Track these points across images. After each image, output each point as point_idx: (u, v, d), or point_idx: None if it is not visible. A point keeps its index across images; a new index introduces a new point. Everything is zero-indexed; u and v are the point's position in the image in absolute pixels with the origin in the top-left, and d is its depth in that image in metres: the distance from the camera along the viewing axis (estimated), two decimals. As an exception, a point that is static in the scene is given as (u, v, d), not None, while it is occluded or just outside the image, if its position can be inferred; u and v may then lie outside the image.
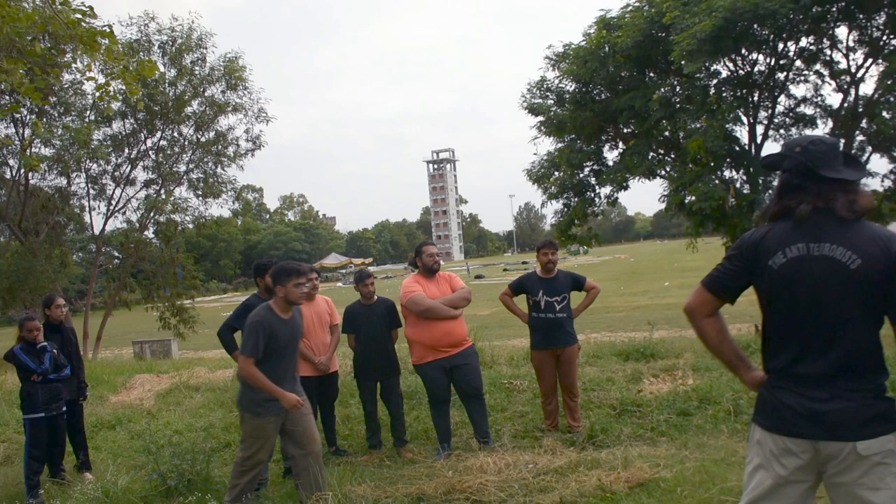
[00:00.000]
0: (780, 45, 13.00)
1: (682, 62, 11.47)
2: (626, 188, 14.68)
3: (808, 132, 13.93)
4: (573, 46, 14.22)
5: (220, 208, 20.08)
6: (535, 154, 15.70)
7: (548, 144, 15.51)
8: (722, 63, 13.08)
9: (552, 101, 14.70)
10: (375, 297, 7.15)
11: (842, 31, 12.83)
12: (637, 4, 13.60)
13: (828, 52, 13.20)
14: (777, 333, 2.63)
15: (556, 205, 15.49)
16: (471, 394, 6.63)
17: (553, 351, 6.98)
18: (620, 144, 15.15)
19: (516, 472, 5.61)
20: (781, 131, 14.21)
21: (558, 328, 6.96)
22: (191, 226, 19.36)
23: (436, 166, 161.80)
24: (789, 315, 2.56)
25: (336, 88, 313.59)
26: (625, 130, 14.59)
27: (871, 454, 2.40)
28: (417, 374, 6.91)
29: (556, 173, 15.08)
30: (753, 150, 13.41)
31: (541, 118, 14.85)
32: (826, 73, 13.53)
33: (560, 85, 14.63)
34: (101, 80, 6.17)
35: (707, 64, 12.15)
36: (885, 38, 12.43)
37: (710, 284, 2.70)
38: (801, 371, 2.53)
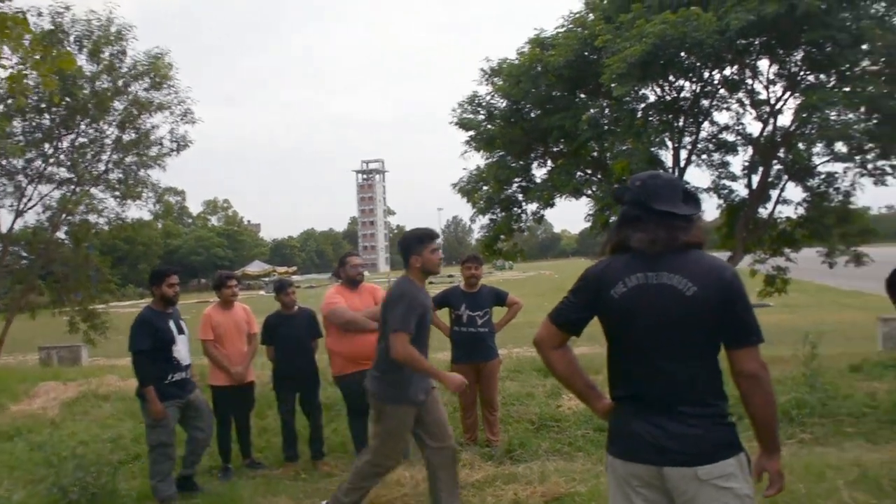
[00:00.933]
0: (706, 74, 13.40)
1: (612, 85, 11.69)
2: (552, 205, 14.87)
3: (729, 158, 14.44)
4: (507, 63, 14.34)
5: (139, 210, 19.20)
6: (464, 169, 15.73)
7: (477, 159, 15.54)
8: (650, 87, 13.39)
9: (483, 117, 14.78)
10: (296, 306, 7.03)
11: (763, 64, 13.33)
12: (571, 26, 13.83)
13: (750, 82, 13.68)
14: (620, 361, 2.69)
15: (484, 219, 15.57)
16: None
17: (474, 365, 6.98)
18: (549, 162, 15.33)
19: (434, 487, 5.57)
20: (704, 156, 14.63)
21: (480, 342, 6.98)
22: (106, 227, 18.59)
23: (365, 176, 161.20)
24: (630, 343, 2.62)
25: (267, 92, 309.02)
26: (554, 149, 14.79)
27: (712, 478, 2.46)
28: (337, 385, 6.81)
29: (485, 188, 15.17)
30: (677, 174, 13.75)
31: (471, 133, 14.91)
32: (748, 102, 14.00)
33: (491, 101, 14.73)
34: (13, 68, 5.87)
35: (636, 88, 12.42)
36: (802, 73, 12.96)
37: (555, 317, 2.76)
38: (642, 398, 2.59)
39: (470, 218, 15.95)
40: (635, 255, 2.61)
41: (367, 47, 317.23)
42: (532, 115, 14.41)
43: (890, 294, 6.76)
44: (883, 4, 11.85)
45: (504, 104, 14.52)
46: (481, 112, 14.75)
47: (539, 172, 15.46)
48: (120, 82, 16.97)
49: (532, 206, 15.27)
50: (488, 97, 14.69)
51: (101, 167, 17.94)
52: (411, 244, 4.72)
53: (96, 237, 19.10)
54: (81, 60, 16.27)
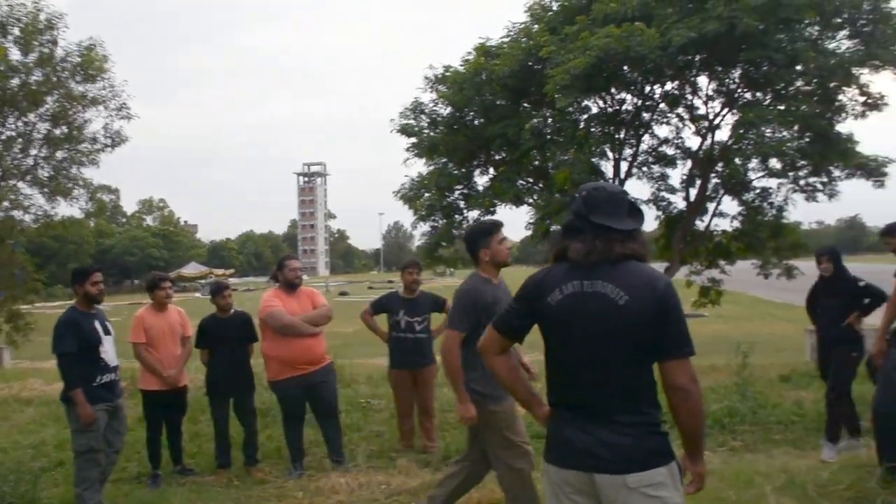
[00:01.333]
0: (647, 88, 13.65)
1: (556, 96, 11.81)
2: (493, 213, 14.90)
3: (668, 171, 14.74)
4: (452, 70, 14.35)
5: (70, 208, 18.49)
6: (406, 176, 15.67)
7: (420, 166, 15.46)
8: (593, 99, 13.57)
9: (426, 124, 14.76)
10: (233, 309, 6.88)
11: (703, 81, 13.66)
12: (516, 36, 13.93)
13: (690, 98, 13.99)
14: (555, 368, 2.72)
15: (425, 226, 15.54)
16: (326, 412, 6.48)
17: (411, 371, 6.96)
18: (491, 170, 15.39)
19: (368, 493, 5.55)
20: (644, 168, 14.89)
21: (418, 348, 6.96)
22: (33, 225, 17.89)
23: (306, 179, 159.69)
24: (565, 350, 2.65)
25: (208, 90, 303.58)
26: (496, 157, 14.86)
27: (641, 486, 2.49)
28: (272, 390, 6.67)
29: (426, 195, 15.14)
30: (618, 185, 13.96)
31: (413, 140, 14.86)
32: (687, 117, 14.31)
33: (434, 108, 14.72)
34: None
35: (579, 99, 12.57)
36: (739, 90, 13.32)
37: (498, 324, 2.80)
38: (576, 405, 2.62)
39: (411, 224, 15.86)
40: (574, 264, 2.65)
41: (312, 48, 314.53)
42: (475, 122, 14.46)
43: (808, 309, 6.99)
44: (817, 28, 12.27)
45: (447, 111, 14.53)
46: (424, 119, 14.73)
47: (481, 180, 15.53)
48: (54, 78, 16.35)
49: (473, 214, 15.29)
50: (432, 104, 14.68)
51: (30, 162, 17.28)
52: (478, 237, 4.48)
53: (22, 234, 18.33)
54: (13, 53, 15.65)
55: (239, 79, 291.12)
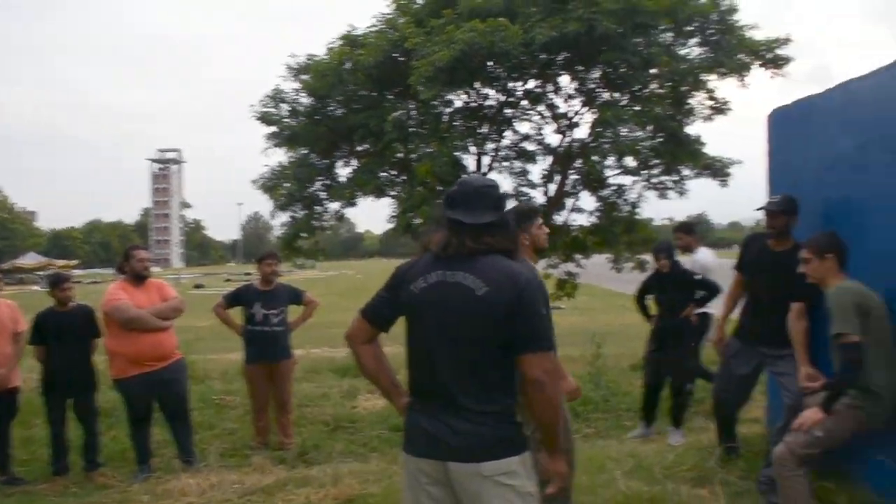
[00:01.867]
0: (510, 84, 13.85)
1: (420, 88, 11.75)
2: (354, 205, 14.75)
3: (529, 167, 15.04)
4: (315, 60, 14.04)
5: None
6: (265, 165, 15.22)
7: (280, 155, 15.05)
8: (456, 93, 13.63)
9: (286, 113, 14.37)
10: (73, 303, 6.38)
11: (564, 79, 14.01)
12: (382, 26, 13.77)
13: (551, 96, 14.32)
14: (414, 358, 2.73)
15: (284, 216, 15.14)
16: (176, 411, 6.16)
17: (267, 365, 6.73)
18: (353, 162, 15.19)
19: (221, 494, 5.30)
20: (505, 163, 15.13)
21: (274, 342, 6.73)
22: None
23: (161, 166, 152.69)
24: (423, 339, 2.67)
25: (51, 69, 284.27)
26: (358, 148, 14.67)
27: (495, 475, 2.52)
28: (117, 389, 6.25)
29: (286, 185, 14.75)
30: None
31: (273, 129, 14.44)
32: (548, 114, 14.65)
33: (296, 97, 14.35)
34: None
35: (442, 92, 12.58)
36: (598, 90, 13.76)
37: (365, 312, 2.80)
38: (432, 393, 2.63)
39: (270, 213, 15.38)
40: (438, 255, 2.68)
41: (171, 28, 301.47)
42: (338, 113, 14.22)
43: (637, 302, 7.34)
44: (670, 35, 12.85)
45: (309, 101, 14.20)
46: (285, 108, 14.34)
47: (343, 171, 15.30)
48: None
49: (335, 205, 15.06)
50: (293, 93, 14.31)
51: None
52: (520, 221, 4.25)
53: None
54: None
55: (91, 58, 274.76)
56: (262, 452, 6.53)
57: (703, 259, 7.45)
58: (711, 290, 7.04)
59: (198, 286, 53.25)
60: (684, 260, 7.31)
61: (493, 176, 14.69)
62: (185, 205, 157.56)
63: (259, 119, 14.24)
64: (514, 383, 2.64)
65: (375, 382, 2.92)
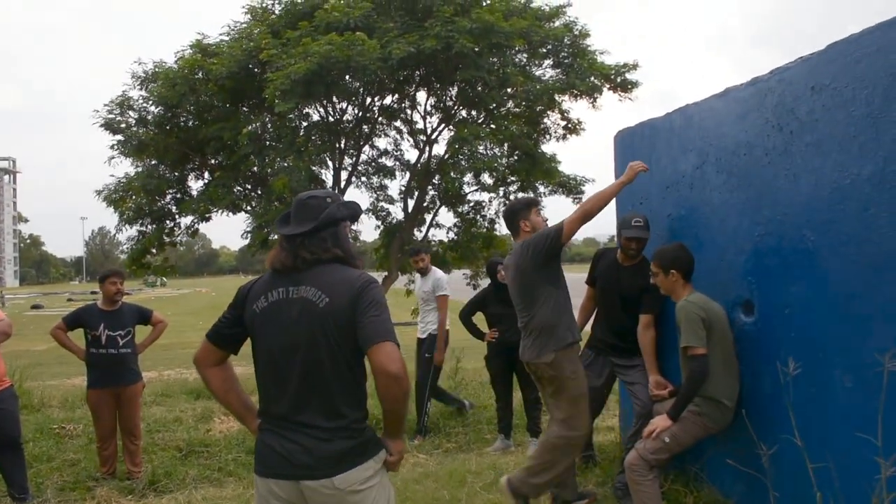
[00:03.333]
0: (368, 100, 13.84)
1: (276, 100, 11.51)
2: (207, 220, 14.24)
3: (387, 182, 15.08)
4: (164, 66, 13.44)
5: None
6: (112, 176, 14.40)
7: (127, 165, 14.28)
8: (314, 107, 13.47)
9: (134, 121, 13.67)
10: None
11: (422, 96, 14.16)
12: (237, 36, 13.40)
13: (409, 112, 14.43)
14: (262, 377, 2.67)
15: (132, 231, 14.37)
16: (5, 443, 5.62)
17: (113, 390, 6.29)
18: (207, 175, 14.67)
19: (59, 532, 4.88)
20: (364, 178, 15.09)
21: (120, 365, 6.30)
22: None
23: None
24: (269, 357, 2.61)
25: None
26: (212, 161, 14.18)
27: (349, 485, 2.51)
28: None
29: (134, 197, 14.02)
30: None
31: (120, 137, 13.69)
32: (406, 130, 14.76)
33: (144, 105, 13.69)
34: None
35: (299, 105, 12.38)
36: (456, 108, 13.98)
37: (211, 335, 2.71)
38: (280, 412, 2.58)
39: (115, 227, 14.53)
40: (279, 271, 2.65)
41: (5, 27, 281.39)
42: (189, 123, 13.70)
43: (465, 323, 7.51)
44: (525, 56, 13.26)
45: (158, 109, 13.57)
46: (132, 115, 13.64)
47: (196, 185, 14.76)
48: None
49: (187, 220, 14.48)
50: (141, 101, 13.64)
51: None
52: (519, 210, 4.63)
53: None
54: None
55: None
56: (108, 483, 6.11)
57: (439, 277, 7.84)
58: None
59: (35, 307, 49.78)
60: (422, 279, 7.92)
61: (351, 191, 14.61)
62: (21, 218, 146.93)
63: (104, 127, 13.45)
64: (363, 394, 2.64)
65: (226, 406, 2.82)
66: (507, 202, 14.71)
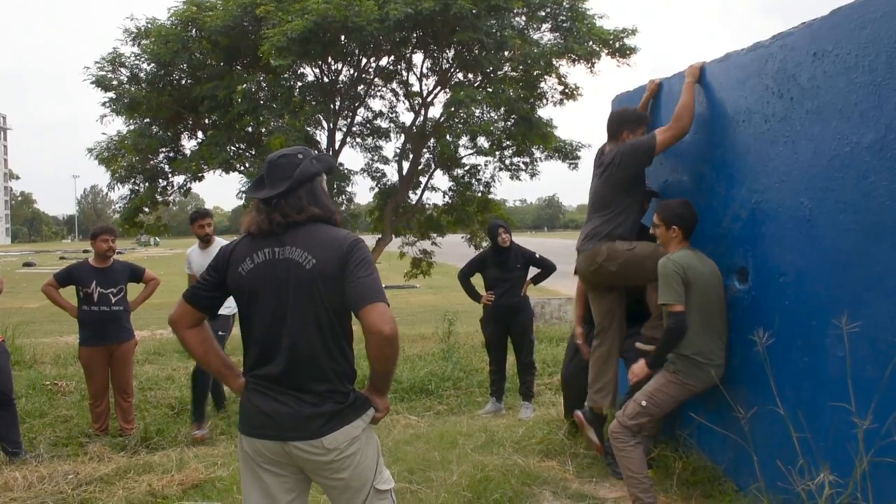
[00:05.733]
0: (364, 60, 13.68)
1: (271, 57, 11.34)
2: (201, 179, 14.13)
3: (382, 143, 14.99)
4: (157, 23, 13.21)
5: None
6: (104, 134, 14.24)
7: (119, 123, 14.11)
8: (309, 66, 13.31)
9: (126, 78, 13.47)
10: None
11: (418, 58, 14.00)
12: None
13: (405, 74, 14.27)
14: (248, 337, 2.67)
15: (124, 189, 14.25)
16: (-2, 398, 5.63)
17: (106, 347, 6.31)
18: (200, 134, 14.52)
19: (52, 486, 4.90)
20: (358, 140, 14.98)
21: (113, 322, 6.31)
22: None
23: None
24: (256, 318, 2.61)
25: None
26: (205, 120, 14.02)
27: (338, 446, 2.53)
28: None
29: (126, 156, 13.88)
30: (331, 154, 13.89)
31: (111, 95, 13.50)
32: (401, 92, 14.61)
33: (136, 62, 13.47)
34: None
35: (294, 64, 12.23)
36: (452, 70, 13.84)
37: (189, 296, 2.70)
38: (266, 372, 2.58)
39: (107, 186, 14.38)
40: (262, 233, 2.62)
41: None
42: (183, 81, 13.53)
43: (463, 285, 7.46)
44: (523, 18, 13.10)
45: (151, 67, 13.36)
46: (124, 73, 13.44)
47: (189, 143, 14.62)
48: None
49: (179, 179, 14.38)
50: (133, 58, 13.42)
51: None
52: (629, 121, 4.51)
53: None
54: None
55: None
56: (100, 440, 6.14)
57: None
58: (548, 268, 7.32)
59: (27, 264, 49.70)
60: (201, 251, 6.80)
61: (346, 151, 14.53)
62: (12, 175, 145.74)
63: (95, 84, 13.24)
64: (351, 356, 2.65)
65: (206, 366, 2.79)
66: (502, 166, 14.65)
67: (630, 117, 4.55)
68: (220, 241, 6.71)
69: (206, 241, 6.73)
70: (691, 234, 4.04)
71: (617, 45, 13.18)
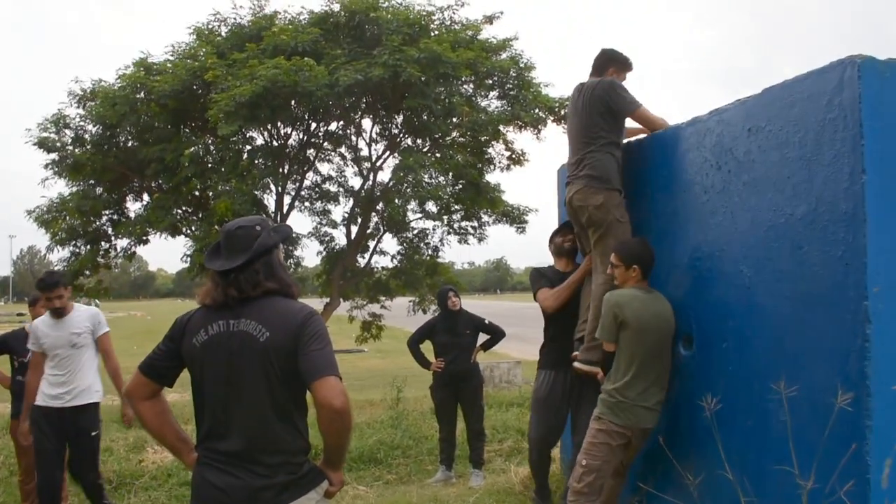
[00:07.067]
0: (313, 125, 13.77)
1: (219, 122, 11.33)
2: (145, 242, 13.88)
3: (331, 207, 14.99)
4: (104, 85, 13.12)
5: None
6: (43, 196, 13.90)
7: (62, 185, 13.78)
8: (258, 131, 13.33)
9: (70, 140, 13.28)
10: None
11: (367, 123, 14.15)
12: (181, 56, 13.18)
13: (354, 138, 14.41)
14: (202, 410, 2.64)
15: (64, 251, 13.90)
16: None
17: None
18: (145, 196, 14.34)
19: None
20: (307, 204, 14.97)
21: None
22: None
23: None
24: (208, 390, 2.59)
25: None
26: (152, 183, 13.86)
27: None
28: None
29: (68, 218, 13.59)
30: (280, 219, 13.83)
31: (54, 156, 13.27)
32: (350, 156, 14.72)
33: (81, 123, 13.31)
34: None
35: (243, 128, 12.23)
36: (401, 135, 14.02)
37: (144, 367, 2.66)
38: (217, 445, 2.56)
39: (47, 248, 14.02)
40: (218, 305, 2.59)
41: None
42: (129, 143, 13.39)
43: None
44: (471, 86, 13.39)
45: (96, 128, 13.21)
46: (68, 134, 13.26)
47: (134, 206, 14.39)
48: None
49: (123, 242, 14.10)
50: (79, 119, 13.26)
51: None
52: (616, 60, 4.58)
53: None
54: None
55: None
56: (29, 518, 5.86)
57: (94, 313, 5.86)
58: (498, 334, 7.36)
59: (-43, 328, 47.63)
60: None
61: (295, 215, 14.50)
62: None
63: (37, 145, 13.01)
64: (304, 428, 2.63)
65: (160, 440, 2.76)
66: (450, 230, 14.77)
67: (619, 58, 4.63)
68: (79, 308, 5.67)
69: (59, 315, 5.39)
70: (650, 273, 4.06)
71: (562, 112, 13.50)
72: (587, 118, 4.37)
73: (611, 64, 4.59)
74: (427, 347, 7.39)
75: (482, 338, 7.45)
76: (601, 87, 4.35)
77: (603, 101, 4.31)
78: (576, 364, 4.48)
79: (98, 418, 5.57)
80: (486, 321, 7.40)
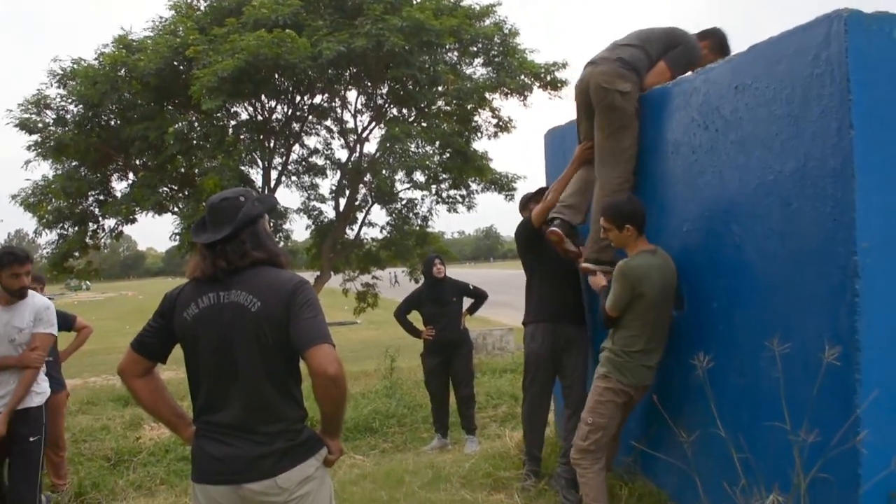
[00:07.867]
0: (298, 98, 13.67)
1: (202, 98, 11.22)
2: (133, 221, 13.82)
3: (318, 181, 14.95)
4: (84, 64, 12.94)
5: None
6: (27, 180, 13.77)
7: (46, 168, 13.67)
8: (242, 105, 13.22)
9: (52, 120, 13.13)
10: None
11: (352, 95, 14.07)
12: (161, 32, 13.00)
13: (339, 111, 14.31)
14: (197, 383, 2.64)
15: (52, 234, 13.83)
16: None
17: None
18: (131, 175, 14.23)
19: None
20: (294, 178, 14.92)
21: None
22: None
23: None
24: (202, 363, 2.59)
25: None
26: (136, 161, 13.75)
27: (291, 485, 2.51)
28: None
29: (55, 201, 13.49)
30: (266, 193, 13.76)
31: (37, 138, 13.12)
32: (336, 129, 14.63)
33: (62, 104, 13.14)
34: None
35: (227, 103, 12.13)
36: (387, 106, 13.93)
37: (136, 344, 2.67)
38: (214, 417, 2.57)
39: (34, 231, 13.95)
40: (207, 278, 2.59)
41: None
42: (112, 123, 13.25)
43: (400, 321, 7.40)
44: (456, 54, 13.29)
45: (78, 108, 13.05)
46: (50, 115, 13.10)
47: (120, 186, 14.30)
48: None
49: (111, 222, 14.04)
50: (60, 99, 13.09)
51: None
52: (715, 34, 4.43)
53: None
54: None
55: None
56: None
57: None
58: (481, 297, 7.41)
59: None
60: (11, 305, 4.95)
61: (281, 190, 14.44)
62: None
63: (19, 126, 12.86)
64: (300, 396, 2.64)
65: (156, 416, 2.77)
66: (439, 199, 14.77)
67: (720, 41, 4.46)
68: (34, 296, 4.82)
69: (17, 296, 4.64)
70: (644, 229, 3.98)
71: (548, 77, 13.44)
72: (653, 34, 4.34)
73: (710, 39, 4.45)
74: (415, 317, 7.42)
75: (467, 302, 7.50)
76: (686, 36, 4.34)
77: (674, 39, 4.28)
78: (584, 264, 4.43)
79: (41, 422, 4.79)
80: (471, 286, 7.46)
